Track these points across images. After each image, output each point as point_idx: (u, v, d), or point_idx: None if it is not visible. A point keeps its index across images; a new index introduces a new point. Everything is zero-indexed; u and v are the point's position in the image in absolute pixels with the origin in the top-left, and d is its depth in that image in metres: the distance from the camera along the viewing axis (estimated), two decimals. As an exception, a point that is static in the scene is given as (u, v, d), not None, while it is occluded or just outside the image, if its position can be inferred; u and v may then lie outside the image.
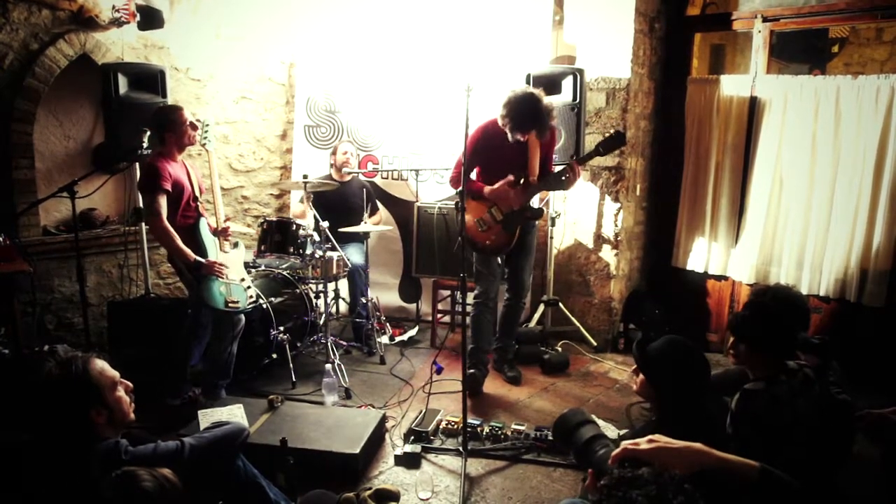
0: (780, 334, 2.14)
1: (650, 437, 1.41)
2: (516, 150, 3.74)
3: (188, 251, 3.52)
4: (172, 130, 3.58)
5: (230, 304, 3.62)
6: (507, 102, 3.56)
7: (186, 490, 1.61)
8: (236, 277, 3.71)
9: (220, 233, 3.76)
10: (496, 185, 3.76)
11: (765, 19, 4.41)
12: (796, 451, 1.66)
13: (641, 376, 2.18)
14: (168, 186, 3.50)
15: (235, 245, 3.87)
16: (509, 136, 3.63)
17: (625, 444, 1.41)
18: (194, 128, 3.67)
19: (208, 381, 3.74)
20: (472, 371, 3.87)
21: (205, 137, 3.81)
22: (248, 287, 3.80)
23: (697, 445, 1.43)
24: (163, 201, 3.48)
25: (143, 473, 1.56)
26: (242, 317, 3.75)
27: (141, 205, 4.28)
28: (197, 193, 3.74)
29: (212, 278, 3.57)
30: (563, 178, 3.67)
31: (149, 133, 3.54)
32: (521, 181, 3.76)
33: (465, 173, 3.52)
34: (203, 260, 3.55)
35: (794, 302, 2.51)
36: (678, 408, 2.05)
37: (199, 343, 3.84)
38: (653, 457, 1.36)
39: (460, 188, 3.87)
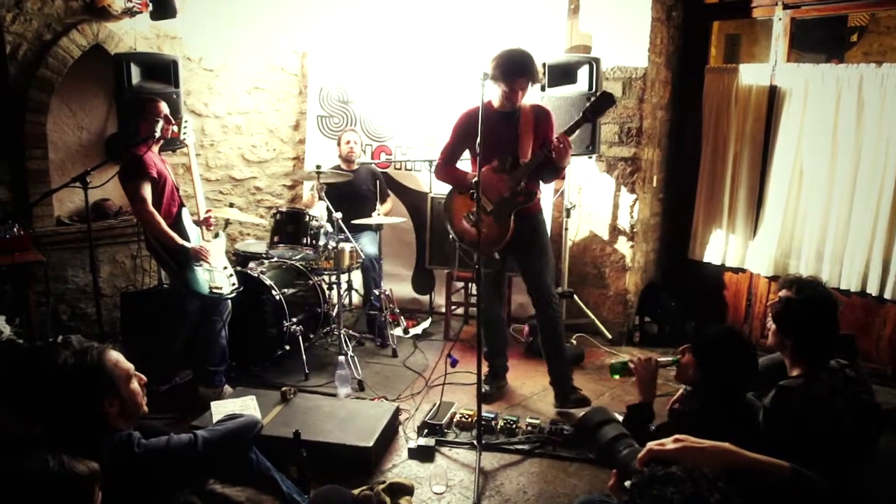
0: (829, 330, 2.07)
1: (676, 436, 1.38)
2: (507, 132, 3.45)
3: (175, 235, 3.56)
4: (145, 119, 3.62)
5: (214, 290, 3.69)
6: (497, 56, 3.36)
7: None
8: (219, 265, 3.78)
9: (202, 223, 3.84)
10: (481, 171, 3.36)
11: (786, 6, 4.31)
12: (829, 452, 1.61)
13: (689, 356, 2.14)
14: (154, 174, 3.55)
15: (216, 235, 3.96)
16: (499, 89, 3.38)
17: (650, 444, 1.37)
18: (169, 121, 3.68)
19: (203, 369, 3.75)
20: (485, 388, 3.67)
21: (184, 132, 3.86)
22: (231, 274, 3.87)
23: (725, 445, 1.39)
24: (148, 188, 3.52)
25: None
26: (229, 302, 3.81)
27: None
28: (177, 184, 3.83)
29: (195, 265, 3.61)
30: (551, 152, 3.33)
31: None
32: (509, 164, 3.49)
33: (478, 167, 3.33)
34: (188, 245, 3.59)
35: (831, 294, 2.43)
36: (722, 396, 2.01)
37: (183, 330, 3.85)
38: (680, 457, 1.32)
39: (446, 183, 3.76)
